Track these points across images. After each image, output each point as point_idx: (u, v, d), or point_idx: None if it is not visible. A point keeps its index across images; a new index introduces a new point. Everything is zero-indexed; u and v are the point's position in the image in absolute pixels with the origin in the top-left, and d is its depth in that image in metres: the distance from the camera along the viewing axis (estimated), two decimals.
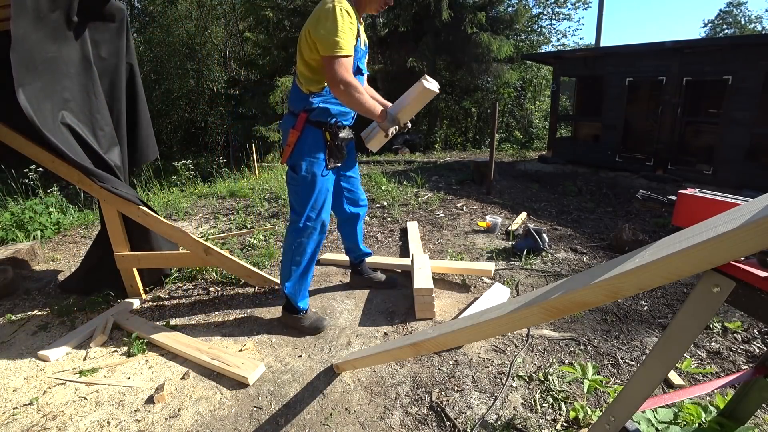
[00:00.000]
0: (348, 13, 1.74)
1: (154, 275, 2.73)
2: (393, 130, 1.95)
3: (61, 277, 3.02)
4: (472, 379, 1.77)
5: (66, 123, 2.08)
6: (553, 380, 1.73)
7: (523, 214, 4.24)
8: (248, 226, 4.06)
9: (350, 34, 1.74)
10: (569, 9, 17.96)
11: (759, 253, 0.78)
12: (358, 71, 1.96)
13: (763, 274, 0.76)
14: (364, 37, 1.99)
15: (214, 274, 2.84)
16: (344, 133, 2.03)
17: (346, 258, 2.66)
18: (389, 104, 2.07)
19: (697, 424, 1.34)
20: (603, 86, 7.57)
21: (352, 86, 1.77)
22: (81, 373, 1.91)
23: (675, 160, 6.77)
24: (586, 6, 18.17)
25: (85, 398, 1.75)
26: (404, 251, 3.25)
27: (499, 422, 1.54)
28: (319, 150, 1.95)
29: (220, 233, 3.85)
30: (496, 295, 2.41)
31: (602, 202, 5.26)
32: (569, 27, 46.45)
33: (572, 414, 1.53)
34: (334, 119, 1.97)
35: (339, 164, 2.07)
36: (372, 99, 1.94)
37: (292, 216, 2.08)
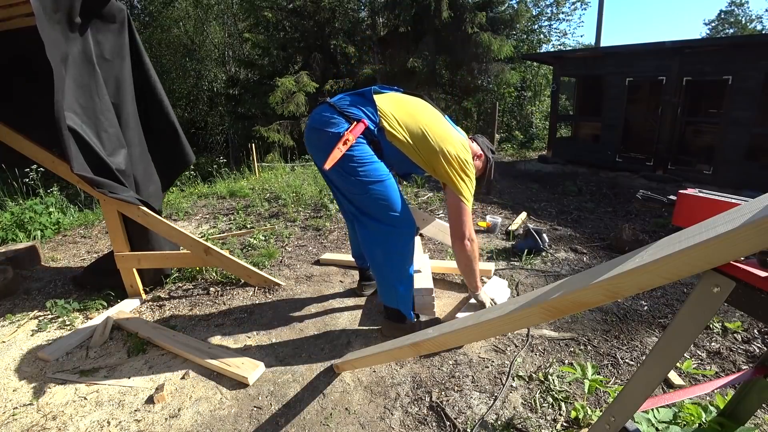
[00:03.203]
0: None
1: (154, 275, 2.73)
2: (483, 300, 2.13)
3: (60, 277, 3.02)
4: (472, 379, 1.77)
5: (68, 125, 2.06)
6: (553, 380, 1.73)
7: (523, 214, 4.24)
8: (248, 226, 4.06)
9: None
10: (568, 9, 17.97)
11: (759, 253, 0.77)
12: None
13: (763, 274, 0.75)
14: None
15: (214, 274, 2.84)
16: None
17: (346, 258, 2.65)
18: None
19: (697, 424, 1.34)
20: (603, 86, 7.57)
21: (475, 244, 1.93)
22: (81, 373, 1.91)
23: (675, 160, 6.78)
24: (584, 6, 18.17)
25: (85, 398, 1.75)
26: None
27: (499, 422, 1.54)
28: (374, 154, 1.84)
29: (220, 233, 3.85)
30: (495, 288, 2.40)
31: (602, 202, 5.25)
32: (569, 27, 46.46)
33: (572, 414, 1.53)
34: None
35: None
36: None
37: (378, 226, 1.86)
